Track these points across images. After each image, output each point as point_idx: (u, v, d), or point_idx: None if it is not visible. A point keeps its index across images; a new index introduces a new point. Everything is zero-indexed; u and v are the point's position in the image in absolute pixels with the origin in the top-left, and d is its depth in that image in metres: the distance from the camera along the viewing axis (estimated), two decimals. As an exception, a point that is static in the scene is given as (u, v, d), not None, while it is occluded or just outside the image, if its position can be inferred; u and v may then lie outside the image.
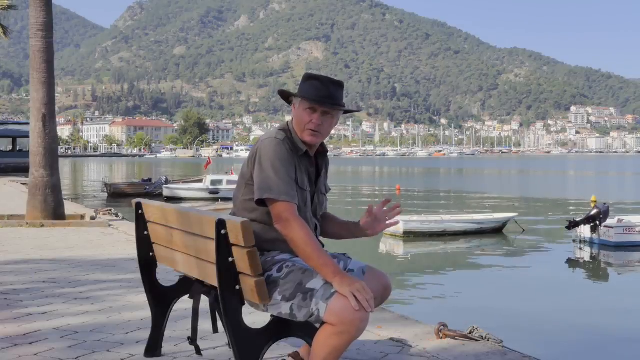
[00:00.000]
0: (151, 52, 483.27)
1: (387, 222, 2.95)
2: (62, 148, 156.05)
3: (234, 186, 2.91)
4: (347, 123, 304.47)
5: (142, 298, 3.68)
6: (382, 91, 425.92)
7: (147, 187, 29.39)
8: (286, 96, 2.84)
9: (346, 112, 2.85)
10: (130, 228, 9.38)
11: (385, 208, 2.96)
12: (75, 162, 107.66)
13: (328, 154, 2.96)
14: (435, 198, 31.11)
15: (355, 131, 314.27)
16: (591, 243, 14.72)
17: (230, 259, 2.55)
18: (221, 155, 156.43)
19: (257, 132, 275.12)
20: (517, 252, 14.85)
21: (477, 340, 3.77)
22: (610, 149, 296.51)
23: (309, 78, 2.77)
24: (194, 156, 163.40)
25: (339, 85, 2.77)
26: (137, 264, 3.32)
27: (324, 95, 2.69)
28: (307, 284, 2.52)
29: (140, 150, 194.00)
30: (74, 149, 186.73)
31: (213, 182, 28.54)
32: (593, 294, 11.18)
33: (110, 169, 73.98)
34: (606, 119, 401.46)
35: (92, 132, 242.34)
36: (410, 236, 15.99)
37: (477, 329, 3.85)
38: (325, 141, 2.87)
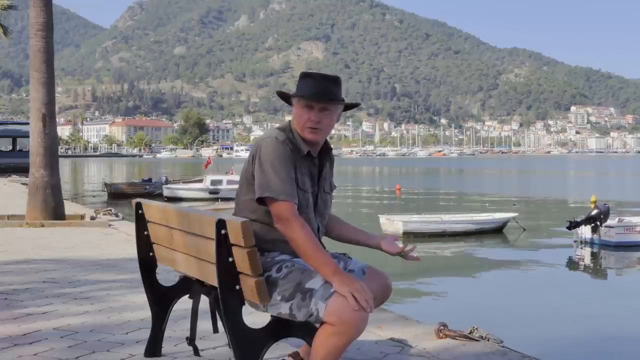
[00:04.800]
0: (151, 52, 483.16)
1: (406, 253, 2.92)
2: (62, 148, 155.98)
3: (234, 186, 2.92)
4: (347, 123, 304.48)
5: (142, 298, 3.68)
6: (382, 91, 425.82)
7: (147, 187, 29.39)
8: (285, 97, 2.84)
9: (347, 107, 2.84)
10: (130, 228, 9.38)
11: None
12: (75, 162, 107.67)
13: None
14: (435, 198, 31.11)
15: (355, 131, 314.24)
16: (592, 243, 14.72)
17: (230, 259, 2.55)
18: (221, 155, 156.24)
19: (257, 132, 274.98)
20: (518, 252, 14.85)
21: (477, 340, 3.76)
22: (610, 149, 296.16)
23: (303, 77, 2.77)
24: (194, 156, 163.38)
25: (334, 80, 2.75)
26: (137, 264, 3.32)
27: (318, 91, 2.69)
28: (306, 284, 2.52)
29: (140, 150, 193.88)
30: (74, 149, 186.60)
31: (213, 182, 28.53)
32: (593, 293, 11.18)
33: (110, 169, 73.99)
34: (606, 119, 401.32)
35: (92, 132, 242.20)
36: (410, 236, 15.98)
37: (477, 329, 3.85)
38: (327, 141, 2.87)
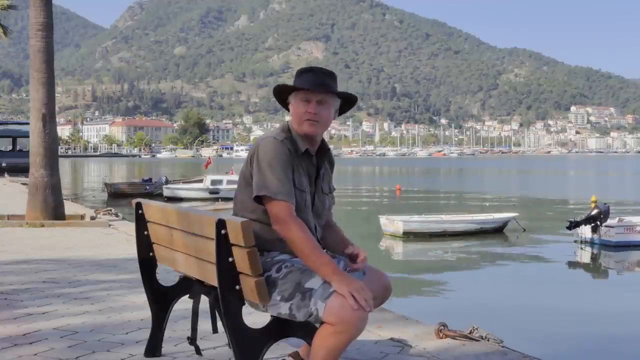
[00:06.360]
0: (151, 52, 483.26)
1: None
2: (62, 148, 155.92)
3: (234, 186, 2.92)
4: (347, 123, 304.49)
5: (142, 298, 3.68)
6: (382, 91, 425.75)
7: (147, 187, 29.40)
8: (282, 94, 2.84)
9: (345, 104, 2.85)
10: (130, 228, 9.37)
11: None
12: (75, 162, 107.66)
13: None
14: (435, 198, 31.12)
15: (355, 131, 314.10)
16: (592, 243, 14.72)
17: (230, 259, 2.55)
18: (221, 155, 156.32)
19: (257, 132, 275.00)
20: (518, 252, 14.84)
21: (477, 340, 3.76)
22: (610, 149, 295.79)
23: (301, 73, 2.80)
24: (193, 156, 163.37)
25: (331, 75, 2.79)
26: (137, 264, 3.32)
27: (317, 83, 2.71)
28: (306, 284, 2.52)
29: (140, 150, 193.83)
30: (74, 149, 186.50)
31: (213, 182, 28.54)
32: (594, 293, 11.18)
33: (110, 169, 73.97)
34: (606, 119, 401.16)
35: (92, 132, 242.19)
36: (410, 236, 15.98)
37: (477, 329, 3.85)
38: (325, 141, 2.87)
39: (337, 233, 2.98)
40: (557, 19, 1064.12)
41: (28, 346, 3.61)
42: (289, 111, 2.83)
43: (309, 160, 2.79)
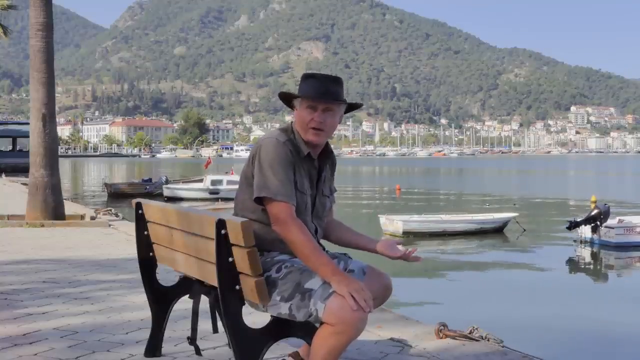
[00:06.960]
0: (151, 52, 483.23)
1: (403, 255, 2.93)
2: (62, 148, 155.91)
3: (234, 186, 2.93)
4: (347, 123, 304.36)
5: (142, 298, 3.68)
6: (382, 91, 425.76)
7: (147, 187, 29.40)
8: (287, 99, 2.83)
9: (349, 108, 2.84)
10: (130, 228, 9.37)
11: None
12: (75, 162, 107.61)
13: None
14: (435, 198, 31.11)
15: (355, 131, 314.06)
16: (592, 243, 14.72)
17: (230, 259, 2.55)
18: (221, 155, 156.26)
19: (257, 132, 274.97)
20: (518, 253, 14.84)
21: (477, 340, 3.76)
22: (610, 149, 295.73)
23: (306, 77, 2.77)
24: (193, 156, 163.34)
25: (337, 81, 2.74)
26: (137, 264, 3.32)
27: (322, 91, 2.68)
28: (306, 284, 2.52)
29: (140, 150, 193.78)
30: (74, 149, 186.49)
31: (213, 182, 28.54)
32: (593, 294, 11.18)
33: (110, 169, 73.94)
34: (606, 119, 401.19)
35: (92, 132, 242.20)
36: (410, 236, 15.97)
37: (477, 329, 3.85)
38: (328, 143, 2.86)
39: (350, 230, 3.05)
40: (557, 19, 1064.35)
41: (28, 346, 3.61)
42: (293, 110, 2.82)
43: (310, 163, 2.78)
